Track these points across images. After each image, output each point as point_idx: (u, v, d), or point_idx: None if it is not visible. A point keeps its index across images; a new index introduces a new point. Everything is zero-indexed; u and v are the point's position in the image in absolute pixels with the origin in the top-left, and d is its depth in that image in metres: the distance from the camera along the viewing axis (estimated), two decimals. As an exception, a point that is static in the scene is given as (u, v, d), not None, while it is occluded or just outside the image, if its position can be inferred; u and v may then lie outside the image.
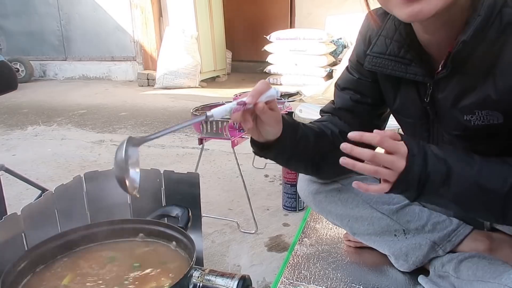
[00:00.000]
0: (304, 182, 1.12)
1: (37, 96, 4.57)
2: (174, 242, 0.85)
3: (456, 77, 0.76)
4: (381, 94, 0.97)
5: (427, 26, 0.77)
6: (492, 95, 0.72)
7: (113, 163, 0.69)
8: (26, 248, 0.84)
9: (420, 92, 0.84)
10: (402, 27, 0.81)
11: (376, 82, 0.95)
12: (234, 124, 1.40)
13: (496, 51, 0.70)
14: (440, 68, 0.77)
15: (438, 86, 0.80)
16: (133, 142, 0.69)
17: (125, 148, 0.67)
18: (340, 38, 5.11)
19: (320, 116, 1.06)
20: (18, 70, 5.56)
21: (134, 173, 0.69)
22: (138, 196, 0.70)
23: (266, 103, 0.76)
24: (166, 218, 0.95)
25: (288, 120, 0.88)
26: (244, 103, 0.74)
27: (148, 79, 5.17)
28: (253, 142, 0.87)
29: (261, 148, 0.88)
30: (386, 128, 1.08)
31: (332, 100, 1.04)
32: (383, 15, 0.87)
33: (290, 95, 1.88)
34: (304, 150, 0.93)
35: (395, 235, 1.00)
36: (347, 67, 1.02)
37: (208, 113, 0.72)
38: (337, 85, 1.03)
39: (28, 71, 5.62)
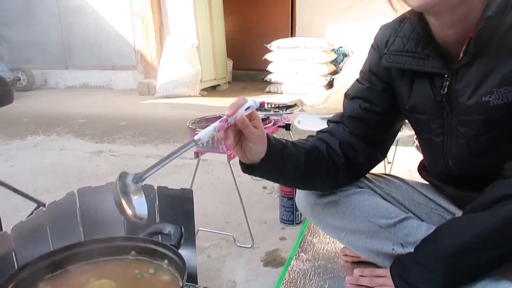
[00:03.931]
0: (302, 193, 1.12)
1: (37, 105, 4.59)
2: (166, 260, 0.84)
3: (476, 64, 0.79)
4: (390, 103, 0.99)
5: (443, 22, 0.80)
6: (509, 72, 0.75)
7: (112, 188, 0.71)
8: (16, 267, 0.83)
9: (435, 86, 0.87)
10: (419, 26, 0.85)
11: (386, 91, 0.98)
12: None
13: None
14: (461, 55, 0.80)
15: (456, 76, 0.83)
16: (125, 179, 0.71)
17: (118, 187, 0.69)
18: (341, 47, 5.12)
19: (322, 125, 1.09)
20: (19, 79, 5.59)
21: (139, 201, 0.70)
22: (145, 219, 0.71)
23: (250, 119, 0.78)
24: (159, 236, 0.94)
25: (274, 141, 0.89)
26: (226, 119, 0.76)
27: (148, 88, 5.18)
28: (240, 161, 0.88)
29: (248, 167, 0.88)
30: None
31: (341, 112, 1.06)
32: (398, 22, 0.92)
33: (288, 107, 1.87)
34: (293, 169, 0.93)
35: (393, 249, 0.99)
36: (357, 79, 1.04)
37: (196, 138, 0.74)
38: (346, 95, 1.05)
39: (29, 80, 5.65)
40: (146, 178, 0.73)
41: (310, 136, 1.05)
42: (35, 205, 1.50)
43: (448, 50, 0.83)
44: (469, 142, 0.86)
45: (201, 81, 4.97)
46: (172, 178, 2.10)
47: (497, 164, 0.82)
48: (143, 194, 0.73)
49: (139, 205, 0.70)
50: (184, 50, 4.78)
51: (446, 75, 0.84)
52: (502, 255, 0.77)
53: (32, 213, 0.92)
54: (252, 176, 2.00)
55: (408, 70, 0.90)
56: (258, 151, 0.84)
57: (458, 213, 1.01)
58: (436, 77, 0.86)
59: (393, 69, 0.94)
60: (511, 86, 0.76)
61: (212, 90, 5.42)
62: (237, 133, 0.80)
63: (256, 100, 0.78)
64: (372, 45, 0.99)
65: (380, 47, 0.96)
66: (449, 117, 0.87)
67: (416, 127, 1.00)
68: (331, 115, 1.09)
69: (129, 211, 0.68)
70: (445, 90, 0.85)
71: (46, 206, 0.94)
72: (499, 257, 0.78)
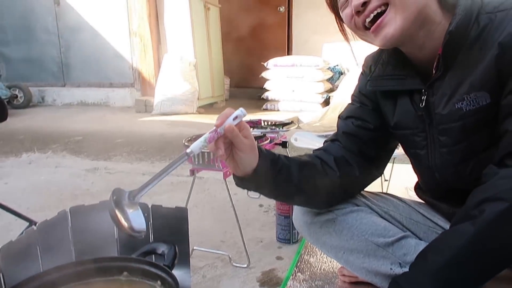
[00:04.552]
0: (299, 211, 1.12)
1: (34, 122, 4.57)
2: (159, 281, 0.82)
3: (447, 76, 0.86)
4: (381, 120, 1.03)
5: (410, 48, 0.89)
6: (477, 79, 0.81)
7: (107, 204, 0.70)
8: (4, 289, 0.80)
9: (415, 101, 0.93)
10: (395, 54, 0.94)
11: (376, 110, 1.04)
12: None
13: (478, 47, 0.81)
14: (434, 71, 0.87)
15: (432, 89, 0.89)
16: (120, 194, 0.70)
17: (113, 202, 0.68)
18: (337, 65, 5.16)
19: (320, 144, 1.11)
20: (16, 96, 5.59)
21: (135, 214, 0.69)
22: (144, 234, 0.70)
23: (239, 130, 0.80)
24: (153, 256, 0.92)
25: (266, 152, 0.91)
26: (215, 130, 0.77)
27: (145, 105, 5.19)
28: (234, 175, 0.89)
29: (242, 180, 0.88)
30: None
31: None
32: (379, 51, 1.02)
33: (284, 124, 1.87)
34: (287, 180, 0.93)
35: (391, 269, 0.97)
36: (349, 102, 1.12)
37: (188, 150, 0.74)
38: (340, 116, 1.11)
39: (26, 97, 5.65)
40: (141, 196, 0.72)
41: (305, 154, 1.05)
42: (27, 224, 1.47)
43: (424, 68, 0.90)
44: (451, 150, 0.89)
45: (198, 99, 4.99)
46: (167, 196, 2.08)
47: (479, 172, 0.82)
48: (139, 208, 0.72)
49: (135, 218, 0.69)
50: (181, 68, 4.81)
51: (423, 90, 0.90)
52: (492, 263, 0.75)
53: (22, 232, 0.90)
54: (248, 193, 2.01)
55: (390, 91, 0.98)
56: (249, 160, 0.85)
57: None
58: (415, 93, 0.93)
59: (377, 91, 1.02)
60: (479, 91, 0.81)
61: (209, 107, 5.43)
62: (228, 144, 0.81)
63: (243, 109, 0.78)
64: (361, 72, 1.09)
65: (366, 73, 1.05)
66: (430, 129, 0.92)
67: (402, 142, 1.05)
68: (328, 133, 1.11)
69: (125, 224, 0.67)
70: (423, 103, 0.91)
71: (37, 225, 0.92)
72: (490, 264, 0.76)
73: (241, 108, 0.79)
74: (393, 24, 0.80)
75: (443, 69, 0.85)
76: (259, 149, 0.88)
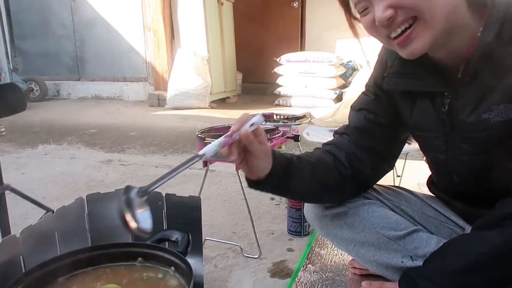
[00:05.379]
0: (310, 204, 1.12)
1: (49, 115, 4.65)
2: (172, 267, 0.84)
3: (475, 82, 0.79)
4: (396, 116, 0.99)
5: (435, 52, 0.82)
6: (507, 89, 0.76)
7: (118, 201, 0.71)
8: (23, 271, 0.83)
9: (436, 104, 0.88)
10: None
11: (392, 104, 0.98)
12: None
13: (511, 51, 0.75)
14: (460, 75, 0.81)
15: (456, 94, 0.83)
16: (130, 193, 0.71)
17: (124, 201, 0.69)
18: (350, 61, 5.13)
19: (330, 137, 1.08)
20: (32, 90, 5.68)
21: (143, 214, 0.70)
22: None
23: (255, 135, 0.79)
24: (166, 242, 0.94)
25: (279, 156, 0.90)
26: (231, 135, 0.76)
27: (158, 100, 5.23)
28: (246, 177, 0.89)
29: (254, 182, 0.89)
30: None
31: (347, 123, 1.07)
32: None
33: (297, 118, 1.88)
34: (300, 183, 0.94)
35: (402, 262, 0.97)
36: (363, 91, 1.05)
37: (200, 153, 0.75)
38: (352, 107, 1.06)
39: (42, 90, 5.74)
40: (151, 191, 0.73)
41: (316, 148, 1.05)
42: (43, 213, 1.51)
43: (446, 68, 0.84)
44: (473, 159, 0.86)
45: (210, 94, 5.01)
46: (180, 188, 2.10)
47: (502, 181, 0.82)
48: (148, 208, 0.72)
49: (143, 219, 0.70)
50: (194, 63, 4.84)
51: (446, 93, 0.85)
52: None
53: (41, 217, 0.93)
54: (260, 188, 2.01)
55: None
56: (263, 166, 0.85)
57: (468, 227, 1.00)
58: (437, 95, 0.87)
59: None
60: (510, 103, 0.76)
61: (221, 102, 5.45)
62: (242, 149, 0.81)
63: (260, 116, 0.79)
64: (378, 57, 1.01)
65: (382, 63, 0.97)
66: (452, 134, 0.87)
67: (420, 143, 1.01)
68: (339, 128, 1.09)
69: (132, 225, 0.68)
70: (446, 107, 0.86)
71: (55, 211, 0.95)
72: (509, 275, 0.77)
73: (258, 115, 0.79)
74: (421, 38, 0.74)
75: (471, 75, 0.79)
76: (273, 152, 0.87)
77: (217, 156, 1.40)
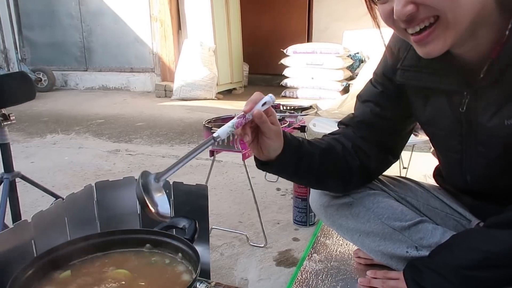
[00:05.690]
0: (316, 194, 1.12)
1: (57, 105, 4.69)
2: (180, 254, 0.85)
3: (497, 85, 0.75)
4: (403, 109, 0.97)
5: (455, 49, 0.77)
6: None
7: (135, 186, 0.72)
8: (35, 255, 0.85)
9: (453, 102, 0.84)
10: None
11: (400, 97, 0.95)
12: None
13: None
14: (482, 75, 0.76)
15: (476, 94, 0.79)
16: (147, 178, 0.72)
17: (141, 185, 0.69)
18: (357, 53, 5.10)
19: (336, 128, 1.07)
20: (40, 80, 5.72)
21: (161, 199, 0.71)
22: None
23: (267, 115, 0.78)
24: (174, 229, 0.95)
25: (290, 138, 0.89)
26: (244, 115, 0.76)
27: (165, 90, 5.25)
28: (255, 157, 0.89)
29: (263, 163, 0.89)
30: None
31: (352, 113, 1.05)
32: None
33: (303, 109, 1.88)
34: (308, 167, 0.93)
35: (407, 252, 0.98)
36: (370, 80, 1.02)
37: (215, 135, 0.75)
38: (358, 97, 1.04)
39: (50, 81, 5.77)
40: (167, 177, 0.74)
41: (325, 135, 1.05)
42: (52, 201, 1.53)
43: (468, 65, 0.79)
44: (489, 163, 0.84)
45: (217, 85, 5.01)
46: (187, 178, 2.10)
47: None
48: (164, 193, 0.74)
49: (161, 203, 0.71)
50: (201, 54, 4.83)
51: (465, 93, 0.81)
52: None
53: (52, 204, 0.95)
54: (266, 177, 2.03)
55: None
56: (275, 147, 0.84)
57: (475, 220, 1.00)
58: (455, 93, 0.83)
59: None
60: None
61: (228, 93, 5.45)
62: (253, 129, 0.80)
63: (272, 95, 0.78)
64: (388, 45, 0.95)
65: (393, 53, 0.92)
66: (468, 135, 0.84)
67: (432, 140, 0.99)
68: (345, 119, 1.07)
69: (152, 209, 0.69)
70: (464, 108, 0.82)
71: (65, 198, 0.96)
72: None
73: (270, 94, 0.78)
74: (441, 40, 0.69)
75: (496, 77, 0.74)
76: (284, 134, 0.86)
77: (224, 146, 1.42)
